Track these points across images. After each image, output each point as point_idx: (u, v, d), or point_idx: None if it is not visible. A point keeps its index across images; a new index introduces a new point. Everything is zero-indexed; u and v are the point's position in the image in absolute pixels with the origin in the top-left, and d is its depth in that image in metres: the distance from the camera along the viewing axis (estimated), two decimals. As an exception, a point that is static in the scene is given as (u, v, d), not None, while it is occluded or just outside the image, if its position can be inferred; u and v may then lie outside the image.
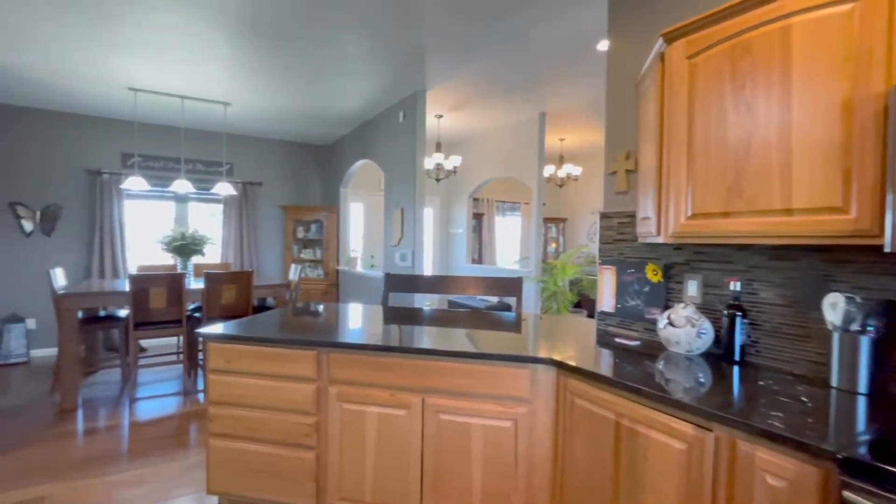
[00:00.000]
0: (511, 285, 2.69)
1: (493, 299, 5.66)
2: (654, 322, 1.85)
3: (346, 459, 1.80)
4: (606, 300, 2.05)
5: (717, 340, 1.62)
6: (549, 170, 5.98)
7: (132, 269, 4.83)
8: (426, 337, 1.92)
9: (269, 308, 4.27)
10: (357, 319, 2.33)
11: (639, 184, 1.85)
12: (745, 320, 1.52)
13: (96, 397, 3.59)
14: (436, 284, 2.81)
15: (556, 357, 1.60)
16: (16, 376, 4.13)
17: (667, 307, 1.82)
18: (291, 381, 1.86)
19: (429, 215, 6.73)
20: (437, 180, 5.28)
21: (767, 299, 1.52)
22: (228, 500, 1.95)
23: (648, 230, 1.66)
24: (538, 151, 4.97)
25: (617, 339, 1.88)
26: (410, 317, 2.42)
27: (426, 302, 4.64)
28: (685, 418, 1.17)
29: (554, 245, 7.54)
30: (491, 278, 2.75)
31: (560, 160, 6.15)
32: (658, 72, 1.57)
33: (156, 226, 5.28)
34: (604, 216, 2.10)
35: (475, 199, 6.66)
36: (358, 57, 3.36)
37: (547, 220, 7.28)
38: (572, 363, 1.53)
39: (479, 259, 7.01)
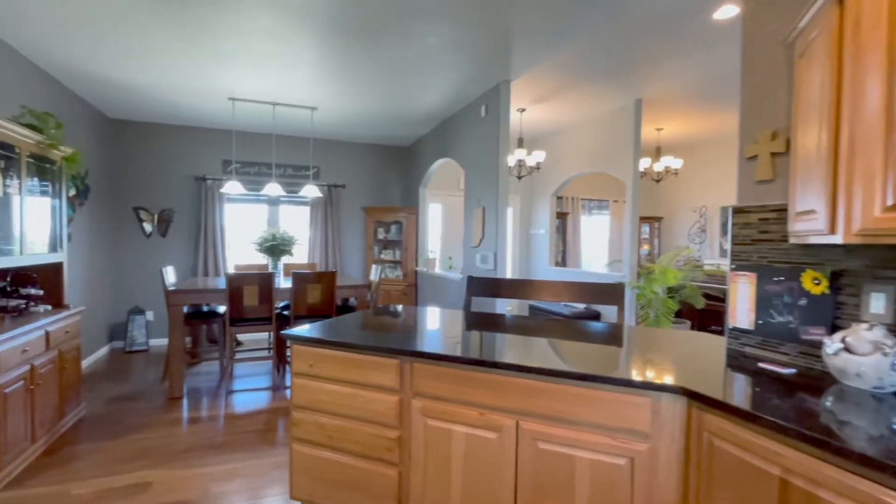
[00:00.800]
0: (611, 292, 2.36)
1: (579, 306, 5.24)
2: (814, 345, 1.45)
3: (429, 482, 1.64)
4: (742, 314, 1.67)
5: (920, 375, 1.20)
6: (643, 163, 5.43)
7: (230, 268, 5.18)
8: (516, 349, 1.70)
9: (351, 308, 4.31)
10: (439, 325, 2.17)
11: (793, 170, 1.47)
12: (975, 351, 1.09)
13: (199, 387, 3.85)
14: (525, 289, 2.57)
15: (686, 384, 1.29)
16: (137, 362, 4.60)
17: (835, 327, 1.41)
18: (374, 390, 1.74)
19: (509, 215, 6.45)
20: (519, 178, 5.01)
21: None
22: (310, 508, 1.89)
23: (813, 227, 1.29)
24: (633, 143, 4.50)
25: (761, 364, 1.50)
26: (495, 324, 2.21)
27: (507, 307, 4.40)
28: (909, 493, 0.82)
29: (647, 247, 6.86)
30: (588, 284, 2.45)
31: (657, 152, 5.56)
32: (832, 19, 1.20)
33: (251, 227, 5.64)
34: (738, 211, 1.72)
35: (559, 198, 6.27)
36: (440, 49, 3.23)
37: (639, 219, 6.63)
38: (710, 394, 1.22)
39: (562, 262, 6.60)
